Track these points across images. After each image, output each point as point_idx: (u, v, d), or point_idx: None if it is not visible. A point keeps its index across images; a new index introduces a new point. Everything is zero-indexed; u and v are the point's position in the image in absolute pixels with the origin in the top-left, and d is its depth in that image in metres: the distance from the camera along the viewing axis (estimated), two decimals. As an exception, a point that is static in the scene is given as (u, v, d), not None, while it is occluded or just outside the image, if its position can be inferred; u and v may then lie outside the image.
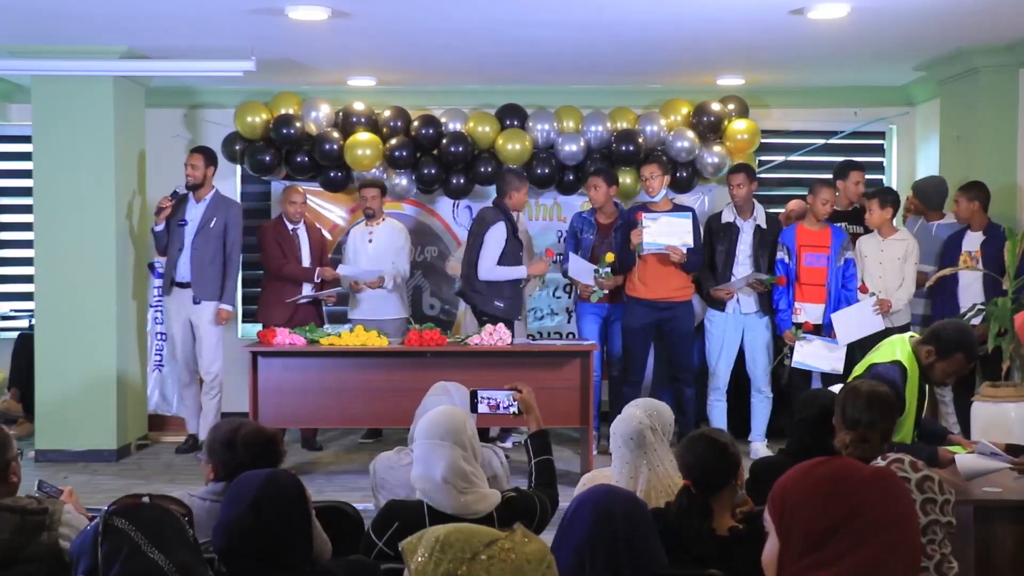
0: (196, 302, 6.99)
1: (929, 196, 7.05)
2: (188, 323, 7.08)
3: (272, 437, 3.14)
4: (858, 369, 4.31)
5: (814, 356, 6.54)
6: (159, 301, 7.58)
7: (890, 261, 6.58)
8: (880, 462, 2.81)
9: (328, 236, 7.86)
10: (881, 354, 4.21)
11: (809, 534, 2.05)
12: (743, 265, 6.88)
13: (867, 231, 6.87)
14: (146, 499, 2.52)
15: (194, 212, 7.01)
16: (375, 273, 7.09)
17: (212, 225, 6.99)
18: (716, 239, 6.95)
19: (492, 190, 7.99)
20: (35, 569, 2.67)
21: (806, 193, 6.98)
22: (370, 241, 7.26)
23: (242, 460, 3.02)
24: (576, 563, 2.36)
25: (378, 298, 7.20)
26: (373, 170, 7.81)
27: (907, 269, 6.55)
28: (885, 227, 6.65)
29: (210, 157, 7.11)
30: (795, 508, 2.09)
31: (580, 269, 6.82)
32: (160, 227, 6.95)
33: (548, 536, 2.49)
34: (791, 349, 6.63)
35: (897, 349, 4.16)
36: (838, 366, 6.46)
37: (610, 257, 6.72)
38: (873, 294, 6.50)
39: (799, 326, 6.61)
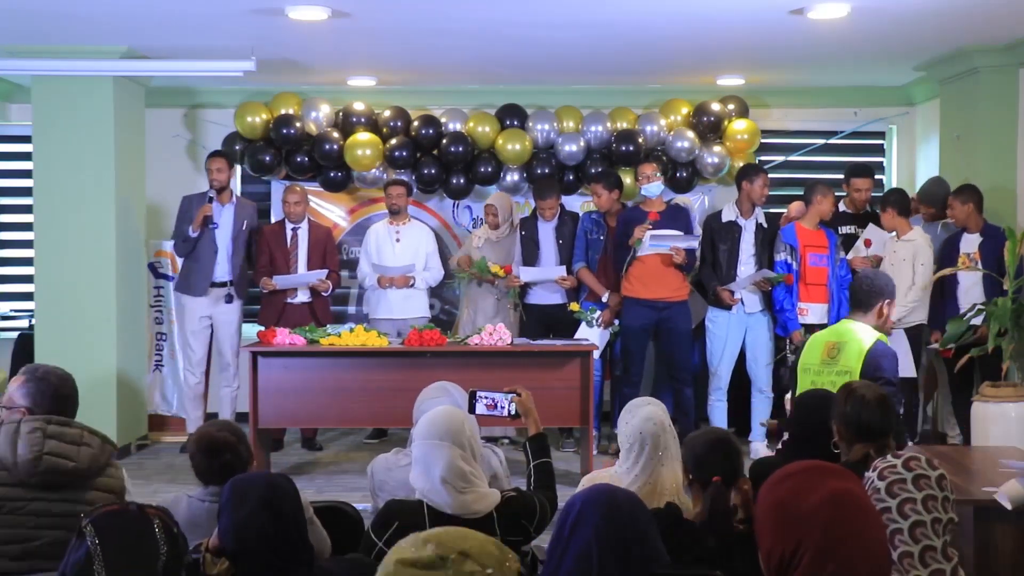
0: (228, 301, 7.14)
1: (940, 198, 6.97)
2: (209, 322, 7.17)
3: (220, 443, 3.11)
4: (844, 372, 4.31)
5: None
6: (159, 301, 7.59)
7: (898, 263, 6.57)
8: (878, 465, 2.79)
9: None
10: (855, 346, 4.18)
11: (770, 558, 2.04)
12: (747, 264, 6.89)
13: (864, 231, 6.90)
14: (133, 506, 2.52)
15: (224, 216, 7.14)
16: (406, 270, 7.14)
17: (244, 228, 7.20)
18: (718, 238, 6.95)
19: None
20: (105, 499, 2.99)
21: (802, 194, 7.01)
22: (398, 240, 7.27)
23: (200, 466, 3.11)
24: (583, 564, 2.30)
25: (402, 297, 7.20)
26: (373, 170, 7.82)
27: (915, 270, 6.53)
28: (900, 228, 6.63)
29: (231, 160, 7.32)
30: (758, 533, 2.08)
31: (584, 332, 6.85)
32: (197, 233, 6.99)
33: (547, 538, 2.49)
34: (796, 349, 6.60)
35: (863, 333, 4.20)
36: None
37: (575, 307, 6.87)
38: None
39: (808, 327, 6.58)
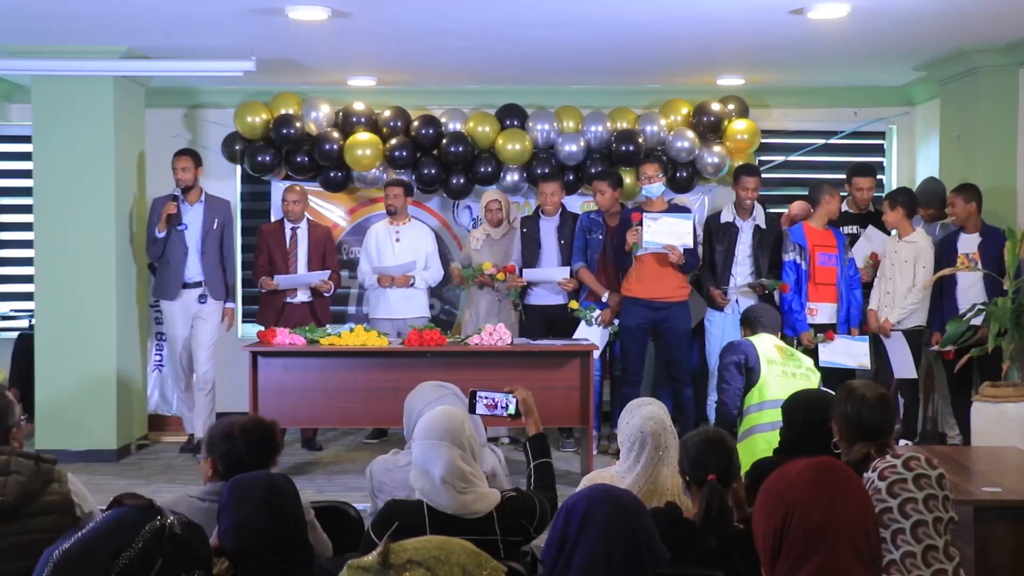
0: (202, 301, 7.08)
1: (940, 197, 6.96)
2: (190, 324, 7.13)
3: (269, 427, 3.13)
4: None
5: (841, 354, 6.50)
6: (158, 302, 7.59)
7: (899, 264, 6.56)
8: (878, 465, 2.79)
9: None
10: (806, 359, 5.23)
11: (764, 544, 2.05)
12: (743, 265, 6.88)
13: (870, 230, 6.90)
14: (144, 502, 2.44)
15: (192, 215, 7.09)
16: (406, 269, 7.14)
17: (215, 227, 7.12)
18: (715, 239, 6.95)
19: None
20: (52, 522, 2.80)
21: (807, 193, 7.00)
22: (397, 240, 7.27)
23: (240, 452, 3.01)
24: (590, 563, 2.30)
25: (402, 297, 7.21)
26: (373, 170, 7.82)
27: (916, 271, 6.52)
28: (902, 228, 6.62)
29: (197, 158, 7.20)
30: (754, 527, 2.09)
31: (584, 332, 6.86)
32: (163, 233, 6.97)
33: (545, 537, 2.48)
34: (805, 350, 6.57)
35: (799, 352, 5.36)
36: (865, 361, 6.47)
37: (574, 305, 6.86)
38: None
39: (815, 328, 6.55)
